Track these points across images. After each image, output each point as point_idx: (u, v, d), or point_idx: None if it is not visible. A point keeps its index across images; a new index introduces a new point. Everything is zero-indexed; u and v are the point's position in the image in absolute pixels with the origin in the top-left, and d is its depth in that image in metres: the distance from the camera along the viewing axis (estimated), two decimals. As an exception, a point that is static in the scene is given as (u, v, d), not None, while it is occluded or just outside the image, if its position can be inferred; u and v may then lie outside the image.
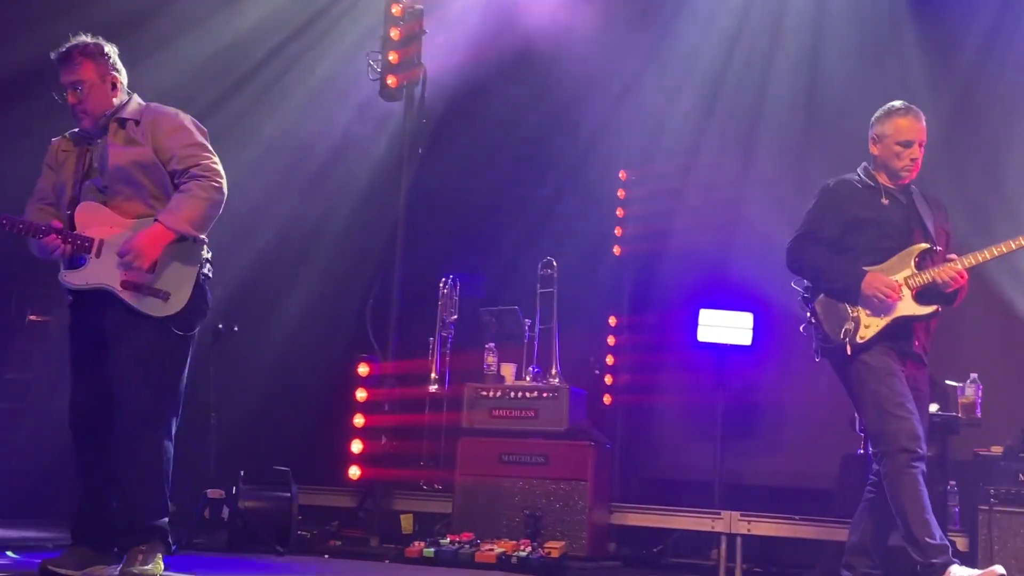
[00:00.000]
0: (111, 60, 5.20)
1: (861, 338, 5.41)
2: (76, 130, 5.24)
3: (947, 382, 6.89)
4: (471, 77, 9.15)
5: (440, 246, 9.15)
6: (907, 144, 5.56)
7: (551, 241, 8.63)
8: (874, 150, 5.66)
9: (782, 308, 7.34)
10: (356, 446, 7.98)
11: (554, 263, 8.06)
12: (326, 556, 7.05)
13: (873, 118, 5.68)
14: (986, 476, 6.46)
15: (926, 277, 5.43)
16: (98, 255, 5.01)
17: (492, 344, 7.94)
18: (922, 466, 5.24)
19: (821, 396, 7.53)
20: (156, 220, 4.98)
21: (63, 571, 4.92)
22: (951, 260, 5.43)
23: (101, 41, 5.21)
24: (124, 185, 5.07)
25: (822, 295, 5.57)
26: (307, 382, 8.86)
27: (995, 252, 5.40)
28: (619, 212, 9.49)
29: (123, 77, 5.25)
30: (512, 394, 7.51)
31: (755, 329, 8.02)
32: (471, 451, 7.46)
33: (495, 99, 9.39)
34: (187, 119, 5.24)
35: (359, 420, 8.04)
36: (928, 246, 5.51)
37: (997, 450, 6.58)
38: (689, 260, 8.88)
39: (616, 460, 8.42)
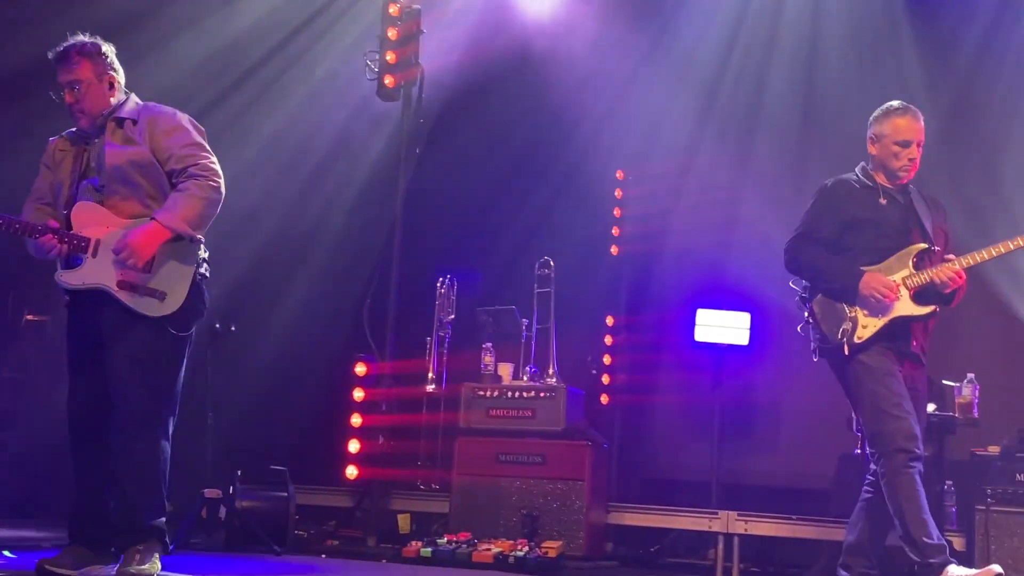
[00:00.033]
0: (108, 59, 5.19)
1: (859, 338, 5.41)
2: (74, 129, 5.24)
3: (944, 382, 6.89)
4: (469, 77, 9.15)
5: (437, 246, 9.15)
6: (905, 144, 5.55)
7: (548, 241, 8.63)
8: (872, 150, 5.66)
9: (780, 308, 7.36)
10: (353, 446, 7.98)
11: (551, 263, 8.07)
12: (323, 556, 7.06)
13: (871, 118, 5.68)
14: (983, 476, 6.47)
15: (924, 277, 5.43)
16: (94, 255, 5.00)
17: (489, 344, 7.94)
18: (919, 466, 5.24)
19: (818, 396, 7.52)
20: (152, 219, 4.97)
21: (60, 570, 4.92)
22: (949, 260, 5.43)
23: (98, 40, 5.20)
24: (121, 185, 5.07)
25: (820, 295, 5.57)
26: (304, 382, 8.86)
27: (993, 252, 5.40)
28: (616, 212, 9.49)
29: (120, 76, 5.25)
30: (509, 394, 7.51)
31: (752, 329, 8.03)
32: (468, 451, 7.46)
33: (493, 99, 9.39)
34: (185, 118, 5.23)
35: (356, 420, 8.03)
36: (926, 246, 5.50)
37: (994, 450, 6.58)
38: (686, 260, 8.88)
39: (613, 460, 8.42)
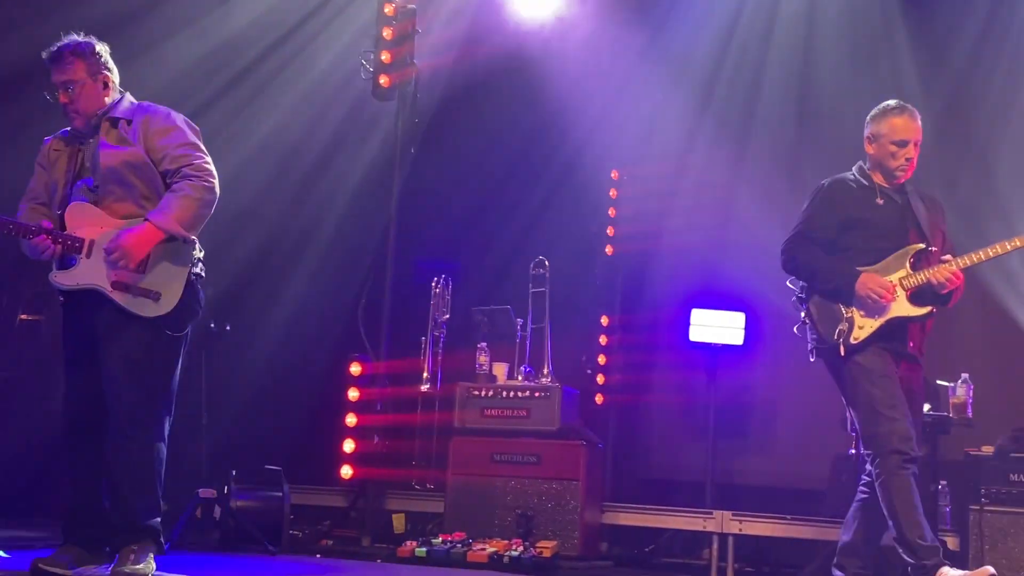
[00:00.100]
0: (102, 59, 5.18)
1: (855, 339, 5.40)
2: (68, 129, 5.23)
3: (938, 382, 6.90)
4: (464, 77, 9.15)
5: (432, 245, 9.15)
6: (902, 143, 5.53)
7: (543, 241, 8.63)
8: (869, 149, 5.64)
9: (774, 308, 7.37)
10: (348, 445, 7.97)
11: (546, 263, 8.06)
12: (318, 556, 7.06)
13: (868, 117, 5.66)
14: (977, 476, 6.47)
15: (921, 278, 5.41)
16: (88, 255, 4.99)
17: (484, 344, 7.94)
18: (914, 468, 5.23)
19: (813, 396, 7.53)
20: (146, 219, 4.97)
21: (55, 570, 4.92)
22: (946, 261, 5.41)
23: (92, 40, 5.19)
24: (115, 185, 5.06)
25: (817, 295, 5.55)
26: (299, 381, 8.86)
27: (990, 253, 5.37)
28: (611, 212, 9.49)
29: (115, 76, 5.24)
30: (504, 394, 7.51)
31: (747, 329, 8.04)
32: (463, 451, 7.46)
33: (488, 99, 9.39)
34: (179, 118, 5.22)
35: (351, 419, 8.02)
36: (923, 246, 5.49)
37: (988, 450, 6.58)
38: (681, 260, 8.89)
39: (608, 460, 8.44)
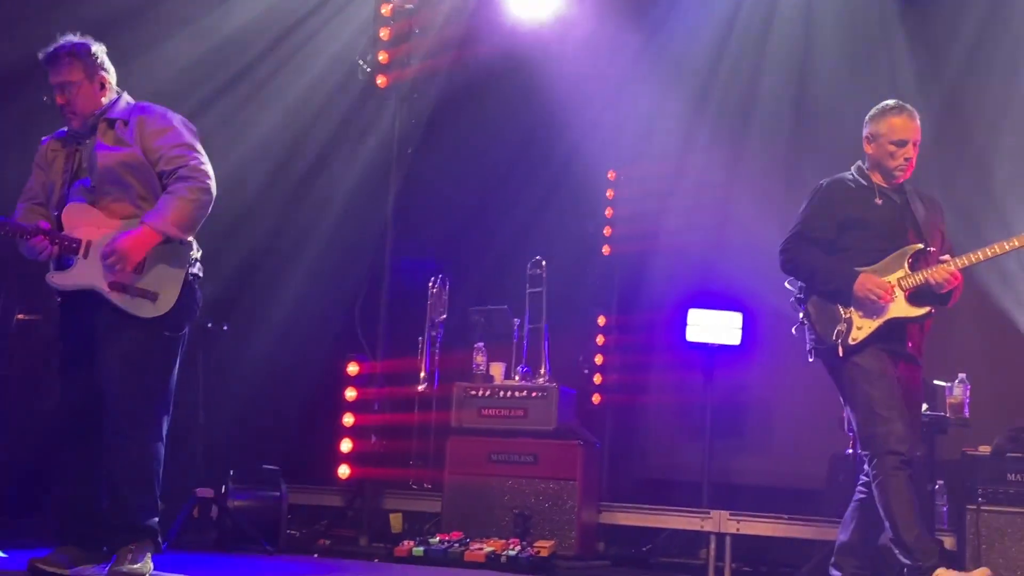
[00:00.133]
0: (99, 59, 5.18)
1: (853, 340, 5.39)
2: (65, 129, 5.23)
3: (935, 382, 6.89)
4: (461, 77, 9.14)
5: (430, 246, 9.14)
6: (901, 143, 5.52)
7: (540, 241, 8.63)
8: (868, 149, 5.63)
9: (771, 308, 7.37)
10: (346, 445, 7.98)
11: (543, 263, 8.06)
12: (315, 555, 7.06)
13: (867, 117, 5.65)
14: (974, 475, 6.47)
15: (919, 278, 5.40)
16: (85, 256, 5.00)
17: (481, 343, 7.93)
18: (910, 469, 5.23)
19: (810, 396, 7.53)
20: (142, 222, 4.96)
21: (52, 569, 4.92)
22: (944, 261, 5.40)
23: (89, 40, 5.18)
24: (112, 186, 5.06)
25: (815, 296, 5.55)
26: (296, 381, 8.84)
27: (989, 253, 5.36)
28: (608, 212, 9.51)
29: (112, 76, 5.24)
30: (501, 393, 7.51)
31: (744, 329, 8.05)
32: (460, 450, 7.46)
33: (485, 99, 9.38)
34: (176, 118, 5.21)
35: (348, 419, 8.04)
36: (922, 246, 5.48)
37: (985, 449, 6.58)
38: (678, 260, 8.90)
39: (605, 459, 8.44)
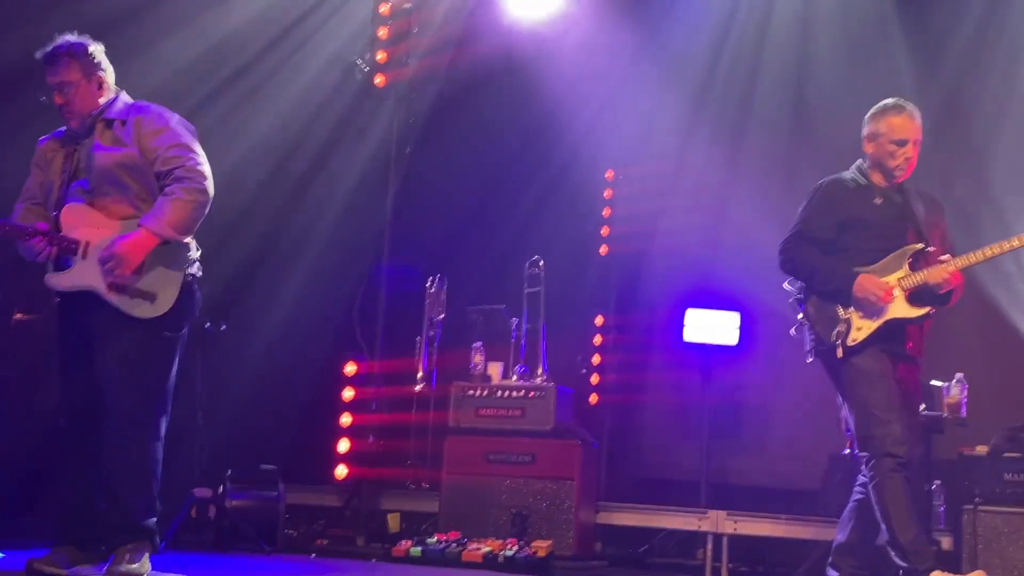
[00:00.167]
0: (97, 59, 5.17)
1: (853, 340, 5.37)
2: (63, 129, 5.23)
3: (932, 382, 6.90)
4: (460, 76, 9.14)
5: (428, 245, 9.14)
6: (901, 143, 5.50)
7: (538, 240, 8.62)
8: (868, 148, 5.60)
9: (769, 308, 7.38)
10: (343, 445, 7.99)
11: (541, 262, 8.06)
12: (313, 555, 7.06)
13: (867, 116, 5.63)
14: (971, 476, 6.48)
15: (919, 278, 5.39)
16: (84, 257, 4.99)
17: (479, 343, 7.93)
18: (907, 472, 5.23)
19: (808, 396, 7.56)
20: (139, 225, 4.95)
21: (50, 569, 4.93)
22: (944, 261, 5.38)
23: (87, 40, 5.18)
24: (110, 186, 5.05)
25: (815, 296, 5.53)
26: (294, 381, 8.84)
27: (988, 253, 5.34)
28: (606, 212, 9.51)
29: (110, 75, 5.24)
30: (499, 393, 7.51)
31: (742, 329, 8.05)
32: (458, 450, 7.45)
33: (483, 99, 9.39)
34: (173, 118, 5.20)
35: (346, 419, 8.05)
36: (921, 246, 5.46)
37: (982, 450, 6.60)
38: (676, 260, 8.89)
39: (603, 459, 8.44)
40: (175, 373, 5.17)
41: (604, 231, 9.46)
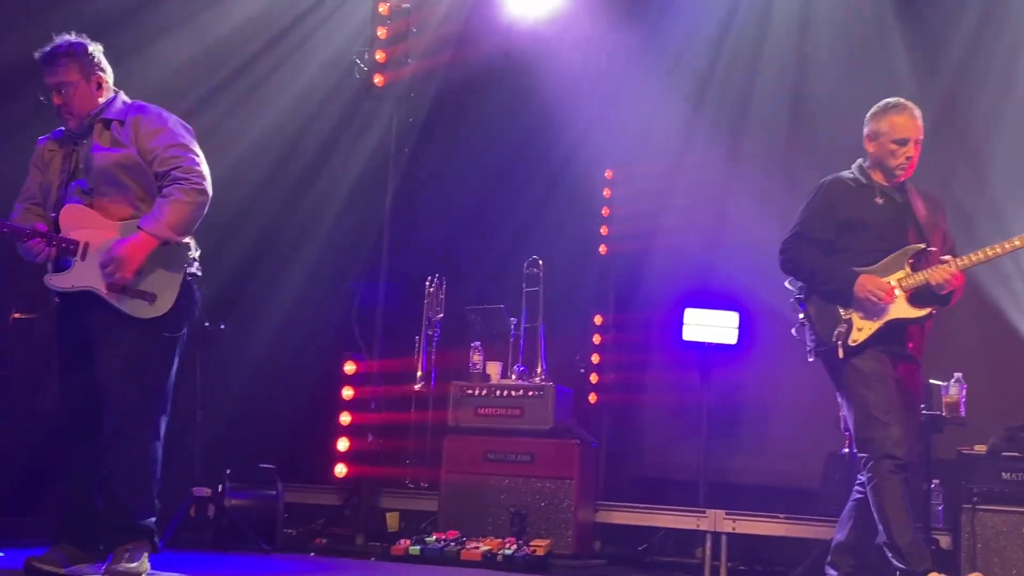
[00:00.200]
0: (95, 59, 5.17)
1: (853, 341, 5.35)
2: (62, 129, 5.23)
3: (931, 381, 6.89)
4: (458, 76, 9.15)
5: (427, 245, 9.15)
6: (903, 142, 5.48)
7: (537, 240, 8.64)
8: (869, 147, 5.59)
9: (768, 307, 7.40)
10: (342, 444, 7.99)
11: (540, 262, 8.06)
12: (312, 554, 7.07)
13: (868, 115, 5.61)
14: (969, 475, 6.48)
15: (920, 279, 5.37)
16: (83, 258, 4.99)
17: (478, 343, 7.94)
18: (906, 474, 5.22)
19: (806, 395, 7.56)
20: (138, 227, 4.95)
21: (48, 568, 4.92)
22: (945, 262, 5.36)
23: (85, 40, 5.18)
24: (109, 187, 5.05)
25: (815, 296, 5.52)
26: (293, 380, 8.85)
27: (990, 253, 5.32)
28: (605, 211, 9.51)
29: (108, 76, 5.23)
30: (498, 392, 7.51)
31: (740, 328, 8.06)
32: (457, 449, 7.46)
33: (482, 98, 9.40)
34: (171, 119, 5.20)
35: (345, 418, 8.04)
36: (923, 247, 5.44)
37: (980, 449, 6.59)
38: (675, 259, 8.91)
39: (601, 458, 8.44)
40: (175, 373, 5.17)
41: (603, 230, 9.47)
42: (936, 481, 6.92)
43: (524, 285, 8.08)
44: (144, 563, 4.97)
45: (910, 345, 5.49)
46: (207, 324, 7.08)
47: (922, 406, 6.35)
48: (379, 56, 8.36)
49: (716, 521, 7.25)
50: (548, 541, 6.82)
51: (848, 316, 5.40)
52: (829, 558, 5.58)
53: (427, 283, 8.31)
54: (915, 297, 5.40)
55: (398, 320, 8.47)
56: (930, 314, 5.45)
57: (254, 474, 7.27)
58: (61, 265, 5.04)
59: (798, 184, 5.98)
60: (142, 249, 4.93)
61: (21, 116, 6.17)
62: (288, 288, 8.98)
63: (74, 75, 5.08)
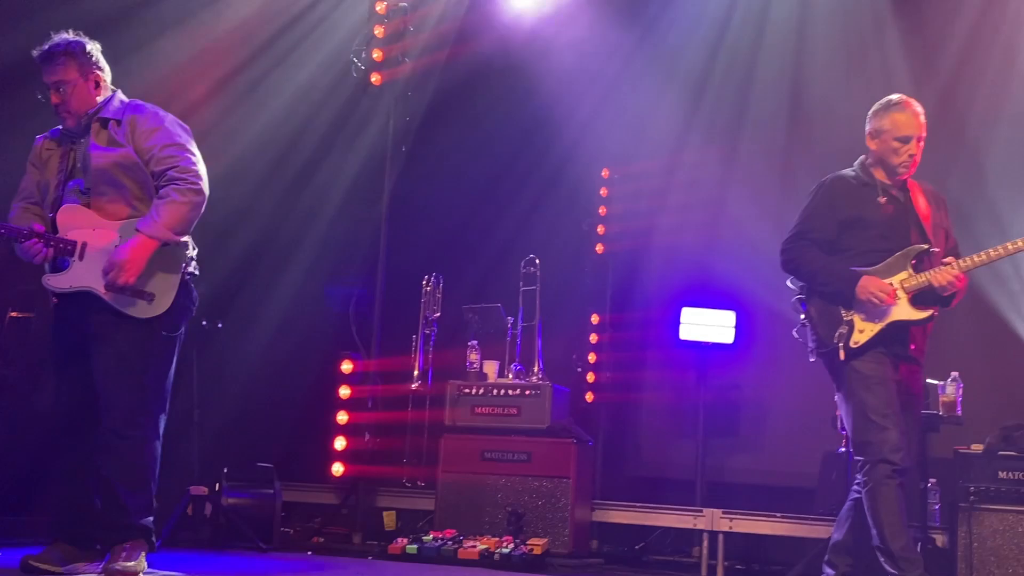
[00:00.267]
0: (94, 58, 5.17)
1: (855, 343, 5.30)
2: (59, 127, 5.22)
3: (928, 380, 6.89)
4: (455, 75, 9.15)
5: (424, 244, 9.15)
6: (905, 140, 5.42)
7: (534, 239, 8.64)
8: (871, 145, 5.52)
9: (764, 307, 7.41)
10: (339, 443, 7.99)
11: (537, 261, 8.06)
12: (309, 553, 7.07)
13: (870, 112, 5.55)
14: (966, 474, 6.47)
15: (922, 281, 5.31)
16: (81, 258, 4.99)
17: (475, 342, 7.94)
18: (902, 478, 5.19)
19: (803, 394, 7.58)
20: (137, 230, 4.95)
21: (45, 567, 4.93)
22: (948, 263, 5.31)
23: (83, 38, 5.18)
24: (106, 187, 5.05)
25: (817, 297, 5.47)
26: (291, 379, 8.84)
27: (992, 255, 5.28)
28: (602, 210, 9.52)
29: (106, 75, 5.23)
30: (495, 392, 7.51)
31: (737, 327, 8.07)
32: (454, 448, 7.46)
33: (479, 97, 9.39)
34: (168, 118, 5.20)
35: (343, 417, 8.05)
36: (925, 247, 5.39)
37: (977, 448, 6.59)
38: (672, 258, 8.91)
39: (598, 457, 8.46)
40: (173, 372, 5.17)
41: (600, 229, 9.47)
42: (933, 480, 6.94)
43: (521, 284, 8.08)
44: (141, 562, 4.98)
45: (912, 347, 5.44)
46: (204, 323, 7.09)
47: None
48: (376, 55, 8.37)
49: (713, 520, 7.26)
50: (545, 540, 6.83)
51: (850, 317, 5.35)
52: (826, 557, 5.56)
53: (424, 282, 8.30)
54: (917, 299, 5.35)
55: (395, 319, 8.46)
56: (932, 315, 5.39)
57: (251, 473, 7.27)
58: (59, 265, 5.04)
59: (795, 183, 5.98)
60: (143, 252, 4.92)
61: (19, 114, 6.17)
62: (285, 287, 8.97)
63: (72, 74, 5.07)
